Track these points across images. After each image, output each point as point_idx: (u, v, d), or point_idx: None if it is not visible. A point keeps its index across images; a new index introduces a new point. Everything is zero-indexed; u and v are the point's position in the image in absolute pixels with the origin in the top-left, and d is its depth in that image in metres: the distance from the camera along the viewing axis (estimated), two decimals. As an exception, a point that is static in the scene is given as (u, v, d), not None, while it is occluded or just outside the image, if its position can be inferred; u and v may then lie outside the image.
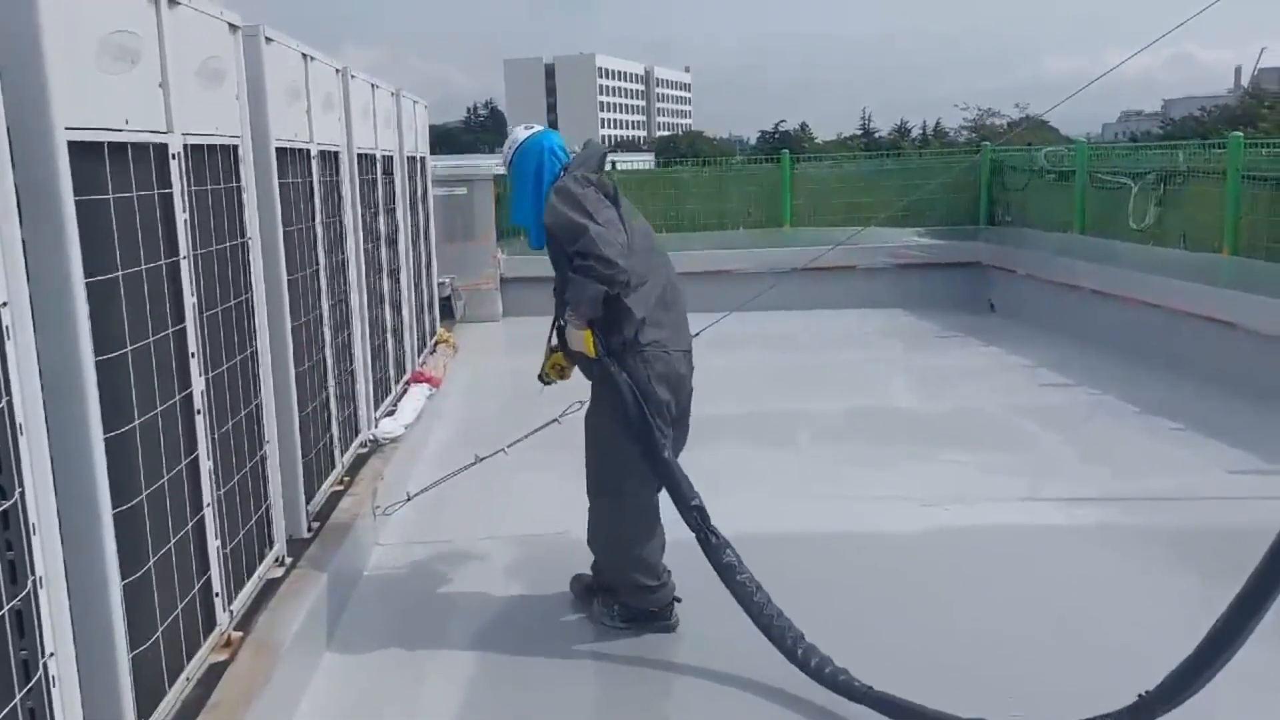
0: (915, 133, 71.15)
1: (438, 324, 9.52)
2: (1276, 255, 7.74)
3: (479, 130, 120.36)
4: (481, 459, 5.03)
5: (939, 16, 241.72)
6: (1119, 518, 5.26)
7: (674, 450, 3.90)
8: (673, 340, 3.86)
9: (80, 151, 2.49)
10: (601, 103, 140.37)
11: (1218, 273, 8.15)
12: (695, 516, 3.63)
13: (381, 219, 6.57)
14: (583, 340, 3.74)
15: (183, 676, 3.02)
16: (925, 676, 3.57)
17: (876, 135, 69.84)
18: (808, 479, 6.02)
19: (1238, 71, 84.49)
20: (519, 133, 4.11)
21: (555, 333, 4.00)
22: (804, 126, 78.33)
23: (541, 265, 14.01)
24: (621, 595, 3.99)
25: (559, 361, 4.11)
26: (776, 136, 71.47)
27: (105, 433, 2.56)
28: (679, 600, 4.00)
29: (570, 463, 6.20)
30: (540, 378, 4.20)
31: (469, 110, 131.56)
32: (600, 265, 3.62)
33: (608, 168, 4.35)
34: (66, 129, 2.41)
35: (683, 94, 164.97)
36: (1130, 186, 9.55)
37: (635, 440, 3.71)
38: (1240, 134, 8.91)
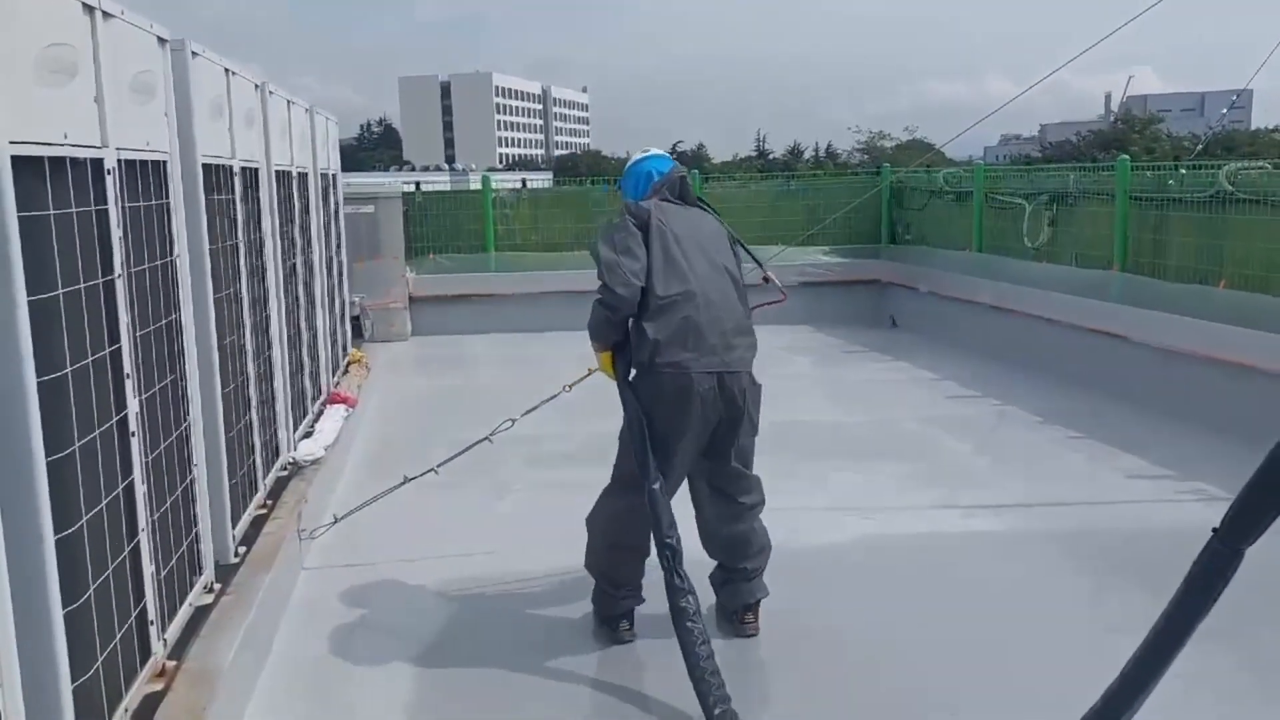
0: (808, 154, 72.73)
1: (350, 343, 9.37)
2: (1162, 271, 8.17)
3: (372, 147, 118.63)
4: (411, 479, 4.98)
5: (825, 42, 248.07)
6: (1031, 523, 5.49)
7: (715, 480, 4.02)
8: (699, 362, 3.80)
9: (22, 166, 2.41)
10: (499, 121, 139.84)
11: (1108, 288, 8.57)
12: (666, 554, 3.66)
13: (298, 236, 6.45)
14: (601, 362, 4.03)
15: (121, 707, 2.92)
16: (845, 682, 3.70)
17: (771, 156, 71.20)
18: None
19: (1107, 98, 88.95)
20: (637, 155, 4.38)
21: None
22: (701, 147, 79.44)
23: (451, 285, 13.89)
24: (594, 592, 4.18)
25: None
26: (674, 156, 72.09)
27: (47, 456, 2.48)
28: (630, 616, 4.07)
29: (498, 482, 6.24)
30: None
31: (362, 127, 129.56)
32: (604, 294, 3.83)
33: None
34: (10, 143, 2.34)
35: (581, 113, 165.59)
36: (1025, 206, 9.98)
37: (640, 465, 3.80)
38: (1127, 157, 9.39)
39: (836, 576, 4.81)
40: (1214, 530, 2.28)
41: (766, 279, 4.43)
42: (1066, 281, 9.14)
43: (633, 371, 3.92)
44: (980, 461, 6.87)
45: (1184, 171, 8.23)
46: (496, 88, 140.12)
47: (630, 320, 3.89)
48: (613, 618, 4.06)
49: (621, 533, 3.97)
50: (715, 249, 4.04)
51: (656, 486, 3.71)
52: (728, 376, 3.85)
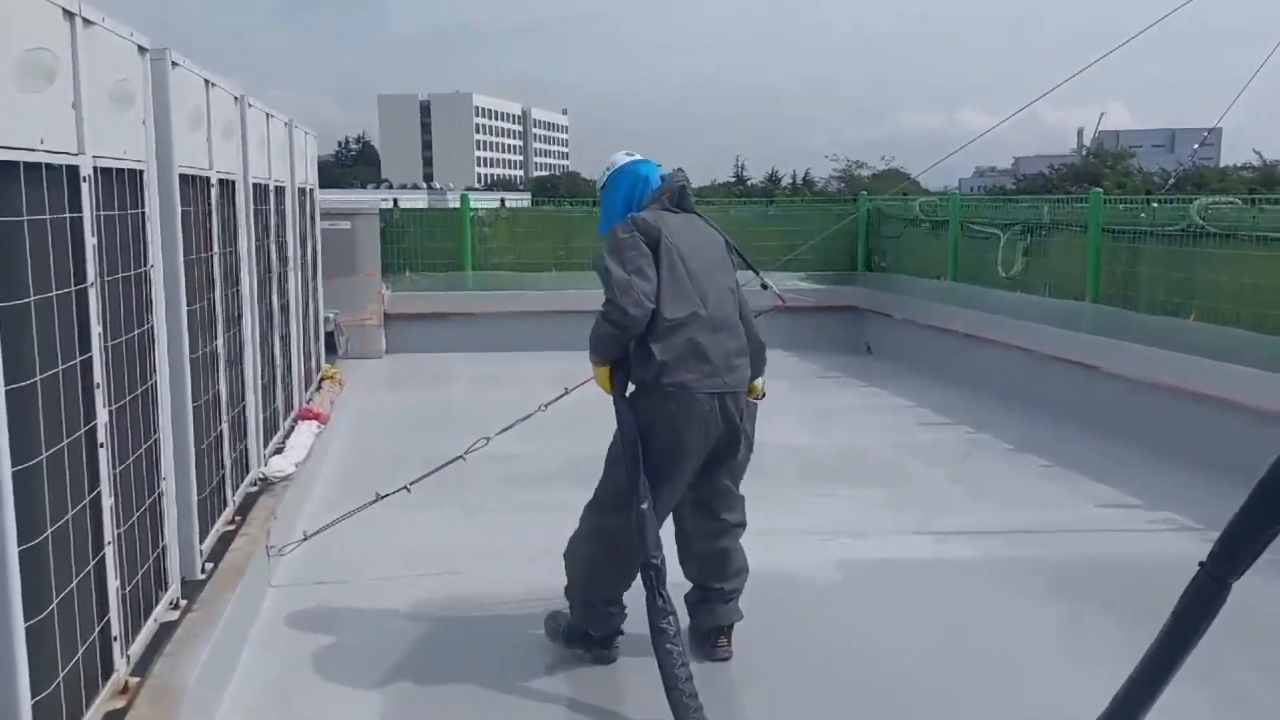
0: (786, 181, 73.16)
1: (323, 360, 9.30)
2: (1134, 303, 8.27)
3: (350, 164, 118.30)
4: (383, 496, 4.93)
5: (804, 71, 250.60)
6: (1002, 550, 5.51)
7: (702, 494, 4.02)
8: (703, 383, 3.80)
9: (-3, 171, 2.39)
10: (478, 141, 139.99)
11: (1080, 319, 8.66)
12: (650, 574, 3.63)
13: (274, 250, 6.41)
14: (599, 376, 3.93)
15: (82, 724, 2.86)
16: (819, 706, 3.72)
17: (749, 182, 71.56)
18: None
19: (1080, 133, 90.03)
20: (619, 157, 4.25)
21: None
22: (679, 171, 79.64)
23: (427, 303, 13.85)
24: (574, 612, 4.05)
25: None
26: (652, 180, 72.24)
27: (13, 465, 2.43)
28: (622, 634, 4.01)
29: (470, 501, 6.20)
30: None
31: (340, 144, 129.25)
32: (614, 312, 3.75)
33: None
34: (-14, 147, 2.31)
35: (560, 135, 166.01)
36: (999, 236, 10.08)
37: (630, 482, 3.73)
38: (1100, 190, 9.52)
39: (810, 600, 4.80)
40: (1200, 564, 2.27)
41: (765, 286, 4.58)
42: (1040, 311, 9.23)
43: (630, 388, 3.89)
44: (953, 488, 6.89)
45: (1156, 205, 8.35)
46: (476, 108, 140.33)
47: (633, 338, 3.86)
48: (607, 636, 3.98)
49: (615, 549, 3.86)
50: (720, 267, 4.05)
51: (645, 506, 3.67)
52: (729, 397, 3.88)
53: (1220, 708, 3.81)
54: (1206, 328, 7.36)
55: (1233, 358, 6.87)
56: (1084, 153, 64.75)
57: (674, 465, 3.82)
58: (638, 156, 4.29)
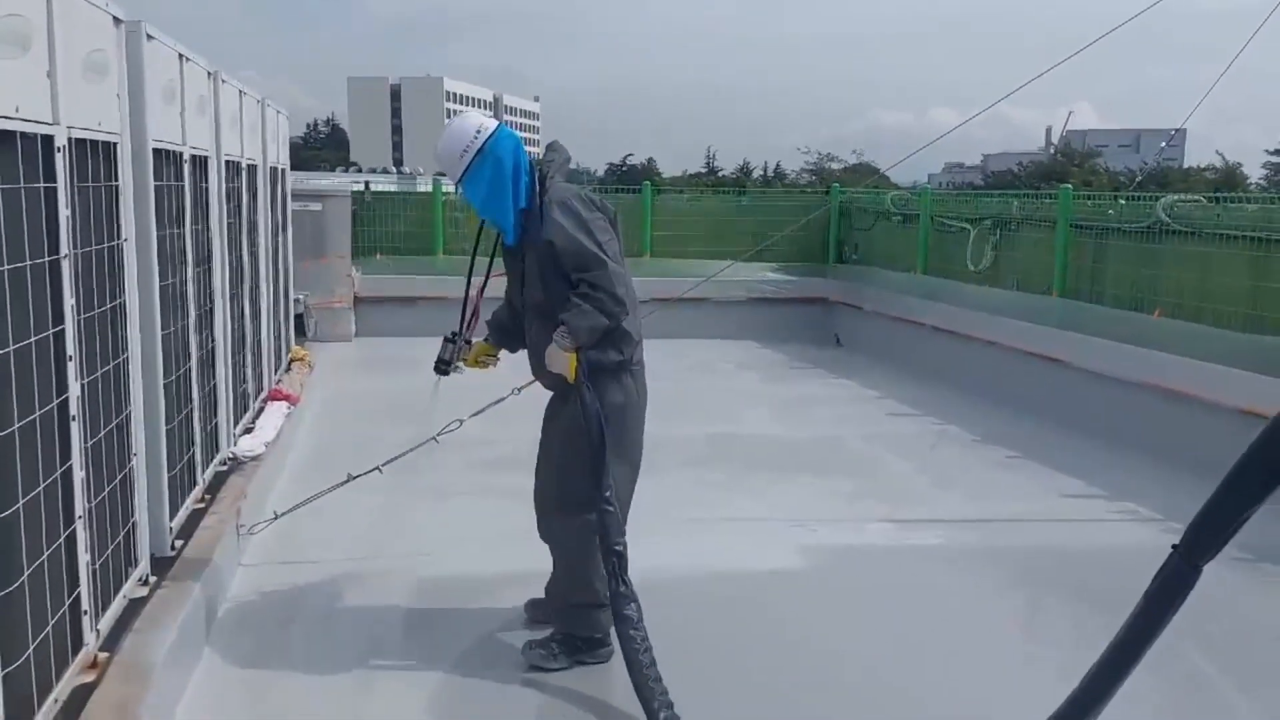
0: (757, 173, 73.33)
1: (293, 341, 9.23)
2: (1100, 298, 8.38)
3: (319, 147, 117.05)
4: (355, 477, 4.92)
5: (776, 66, 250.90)
6: (967, 538, 5.58)
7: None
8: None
9: (-29, 137, 2.36)
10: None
11: (1047, 313, 8.77)
12: (614, 560, 3.63)
13: (244, 229, 6.35)
14: (567, 363, 3.70)
15: (51, 698, 2.84)
16: (784, 688, 3.77)
17: (720, 174, 71.66)
18: (676, 502, 6.12)
19: (1048, 131, 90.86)
20: (481, 119, 3.85)
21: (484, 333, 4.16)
22: (651, 161, 79.66)
23: (398, 286, 13.69)
24: (567, 624, 3.91)
25: (487, 350, 4.22)
26: (624, 170, 72.33)
27: (-15, 436, 2.41)
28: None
29: (440, 484, 6.18)
30: (444, 369, 4.22)
31: (309, 126, 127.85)
32: (611, 303, 3.65)
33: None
34: (-39, 112, 2.28)
35: (531, 123, 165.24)
36: (969, 231, 10.18)
37: (589, 468, 3.67)
38: (1070, 186, 9.63)
39: (775, 587, 4.83)
40: (1174, 548, 2.32)
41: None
42: (1007, 305, 9.34)
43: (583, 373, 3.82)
44: (919, 479, 6.95)
45: (1123, 202, 8.47)
46: (447, 93, 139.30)
47: None
48: (603, 636, 3.90)
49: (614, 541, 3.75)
50: None
51: (609, 493, 3.68)
52: None
53: (1173, 690, 3.88)
54: (1170, 323, 7.49)
55: (1196, 353, 6.99)
56: (1052, 151, 65.45)
57: (639, 444, 3.89)
58: (488, 117, 3.92)
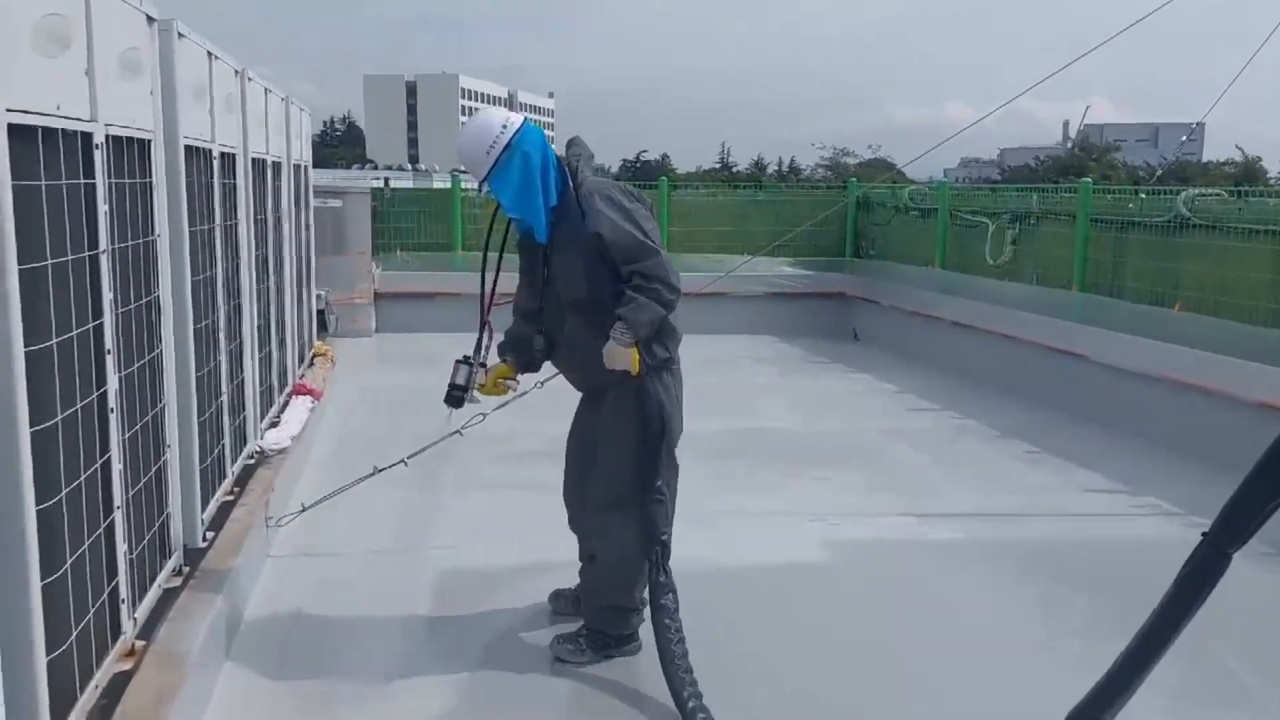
0: (772, 169, 73.23)
1: (315, 336, 9.31)
2: (1120, 292, 8.37)
3: (335, 145, 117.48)
4: (380, 470, 4.96)
5: (790, 61, 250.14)
6: (986, 532, 5.60)
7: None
8: None
9: (17, 135, 2.41)
10: (464, 123, 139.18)
11: (1067, 307, 8.75)
12: (658, 550, 3.66)
13: (270, 225, 6.42)
14: (629, 358, 3.61)
15: (92, 684, 2.90)
16: (809, 680, 3.81)
17: (735, 169, 71.61)
18: (694, 496, 6.14)
19: (1065, 125, 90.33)
20: (506, 114, 3.76)
21: (492, 344, 3.97)
22: (665, 157, 79.67)
23: (417, 282, 13.69)
24: (598, 621, 3.90)
25: (506, 374, 3.96)
26: (639, 166, 72.34)
27: (31, 426, 2.47)
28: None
29: (464, 477, 6.24)
30: (459, 398, 3.95)
31: (325, 124, 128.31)
32: (667, 291, 3.60)
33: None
34: (7, 110, 2.33)
35: (546, 119, 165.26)
36: (988, 225, 10.16)
37: (646, 458, 3.69)
38: (1089, 180, 9.60)
39: (794, 580, 4.86)
40: (1203, 535, 2.32)
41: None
42: (1027, 300, 9.32)
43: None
44: (938, 472, 6.96)
45: (1144, 196, 8.45)
46: (463, 89, 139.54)
47: None
48: (632, 633, 3.93)
49: (644, 547, 3.78)
50: None
51: (661, 483, 3.71)
52: None
53: (1192, 680, 3.90)
54: (1192, 317, 7.47)
55: (1217, 347, 6.97)
56: (1069, 145, 65.08)
57: (676, 441, 3.89)
58: (509, 112, 3.83)
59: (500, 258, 4.00)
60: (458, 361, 3.97)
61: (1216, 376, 6.89)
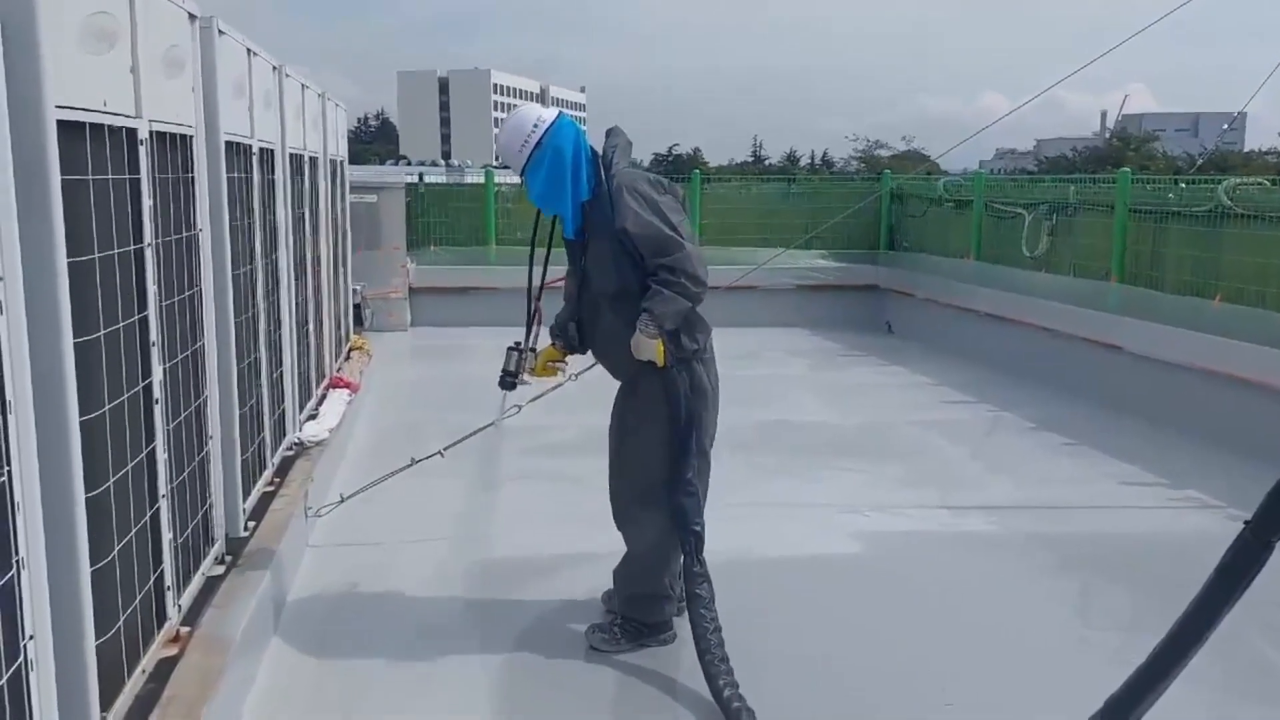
0: (804, 161, 72.91)
1: (351, 330, 9.40)
2: (1159, 283, 8.27)
3: (369, 140, 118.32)
4: (418, 460, 5.03)
5: (823, 54, 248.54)
6: (1022, 525, 5.57)
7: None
8: None
9: (66, 130, 2.47)
10: (496, 119, 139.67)
11: (1105, 299, 8.66)
12: (692, 540, 3.69)
13: (307, 220, 6.49)
14: (655, 349, 3.67)
15: (139, 668, 2.97)
16: (842, 671, 3.82)
17: (767, 162, 71.38)
18: (728, 488, 6.15)
19: (1103, 116, 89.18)
20: (540, 110, 3.82)
21: (539, 330, 4.11)
22: (697, 151, 79.54)
23: (451, 277, 13.80)
24: (632, 610, 3.95)
25: (554, 357, 4.09)
26: (671, 160, 72.32)
27: (80, 416, 2.52)
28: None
29: (499, 468, 6.30)
30: (510, 381, 4.11)
31: (359, 120, 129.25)
32: (692, 284, 3.62)
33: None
34: (57, 106, 2.39)
35: (578, 114, 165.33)
36: (1024, 216, 10.06)
37: (676, 449, 3.72)
38: (1128, 170, 9.48)
39: (827, 572, 4.87)
40: (1245, 523, 2.30)
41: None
42: (1064, 291, 9.23)
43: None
44: (974, 465, 6.93)
45: (1183, 186, 8.33)
46: (495, 85, 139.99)
47: None
48: (665, 622, 3.97)
49: (673, 539, 3.82)
50: None
51: (690, 474, 3.73)
52: None
53: (1229, 673, 3.86)
54: (1232, 308, 7.36)
55: (1258, 339, 6.88)
56: (1107, 136, 64.24)
57: (710, 434, 3.90)
58: (543, 107, 3.91)
59: (549, 249, 4.06)
60: (509, 348, 4.15)
61: (1257, 368, 6.80)
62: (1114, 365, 8.25)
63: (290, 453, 5.55)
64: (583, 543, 4.72)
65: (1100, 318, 8.51)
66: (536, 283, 4.08)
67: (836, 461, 6.83)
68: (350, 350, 8.86)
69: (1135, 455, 6.80)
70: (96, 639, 2.63)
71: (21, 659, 2.16)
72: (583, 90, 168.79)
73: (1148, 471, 6.50)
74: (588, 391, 5.06)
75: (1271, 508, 2.22)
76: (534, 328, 4.11)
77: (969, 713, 3.59)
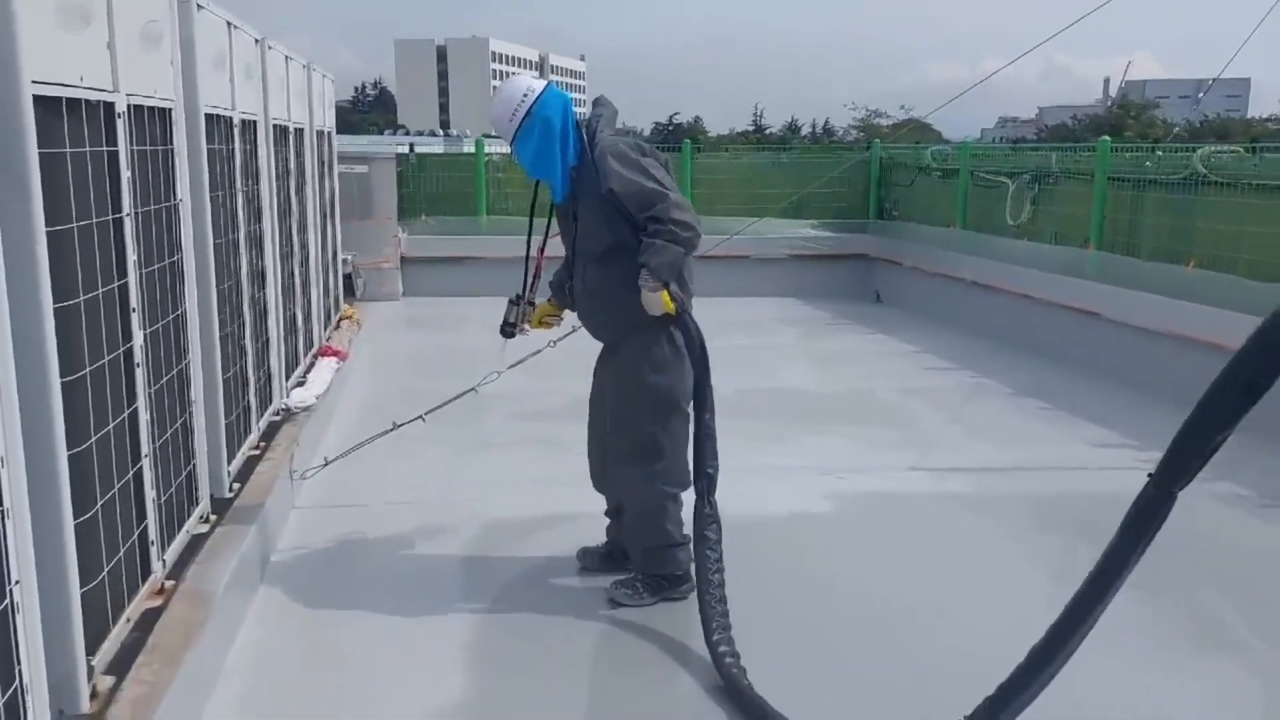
0: (805, 130, 72.67)
1: (341, 300, 9.53)
2: (1137, 251, 8.38)
3: (366, 110, 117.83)
4: (399, 425, 5.16)
5: (825, 21, 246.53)
6: (997, 485, 5.73)
7: None
8: None
9: (42, 105, 2.58)
10: (495, 87, 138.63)
11: (1084, 266, 8.78)
12: (704, 482, 3.84)
13: (293, 191, 6.60)
14: (661, 301, 3.81)
15: (124, 617, 3.12)
16: (826, 629, 3.94)
17: (768, 131, 71.11)
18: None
19: (1106, 83, 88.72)
20: (530, 81, 4.02)
21: (534, 286, 4.37)
22: (698, 119, 79.26)
23: (442, 247, 13.85)
24: (647, 565, 4.08)
25: (551, 311, 4.40)
26: (671, 128, 72.08)
27: (61, 377, 2.66)
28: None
29: (482, 433, 6.45)
30: (510, 331, 4.40)
31: (356, 90, 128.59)
32: (681, 230, 3.77)
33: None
34: (33, 82, 2.50)
35: (578, 82, 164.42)
36: (1008, 185, 10.16)
37: (696, 393, 3.90)
38: (1108, 138, 9.57)
39: (805, 530, 5.02)
40: (1149, 475, 2.36)
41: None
42: (1045, 259, 9.35)
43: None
44: (952, 429, 7.08)
45: (1160, 154, 8.42)
46: (493, 53, 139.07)
47: None
48: (686, 571, 4.06)
49: (678, 488, 4.03)
50: None
51: (708, 415, 3.88)
52: None
53: (1174, 620, 4.01)
54: (1204, 274, 7.48)
55: (1229, 304, 6.99)
56: (1109, 103, 63.97)
57: (689, 395, 4.01)
58: (532, 76, 4.18)
59: (550, 215, 4.25)
60: (510, 301, 4.42)
61: (1227, 333, 6.91)
62: (1092, 331, 8.39)
63: (277, 418, 5.69)
64: (566, 504, 4.87)
65: (1079, 285, 8.64)
66: (539, 243, 4.30)
67: (819, 427, 6.97)
68: (340, 320, 8.99)
69: (1109, 419, 6.94)
70: (81, 587, 2.78)
71: (7, 601, 2.31)
72: (583, 59, 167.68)
73: (1121, 434, 6.65)
74: (569, 358, 5.20)
75: (1173, 458, 2.30)
76: (533, 281, 4.36)
77: (950, 660, 3.70)
